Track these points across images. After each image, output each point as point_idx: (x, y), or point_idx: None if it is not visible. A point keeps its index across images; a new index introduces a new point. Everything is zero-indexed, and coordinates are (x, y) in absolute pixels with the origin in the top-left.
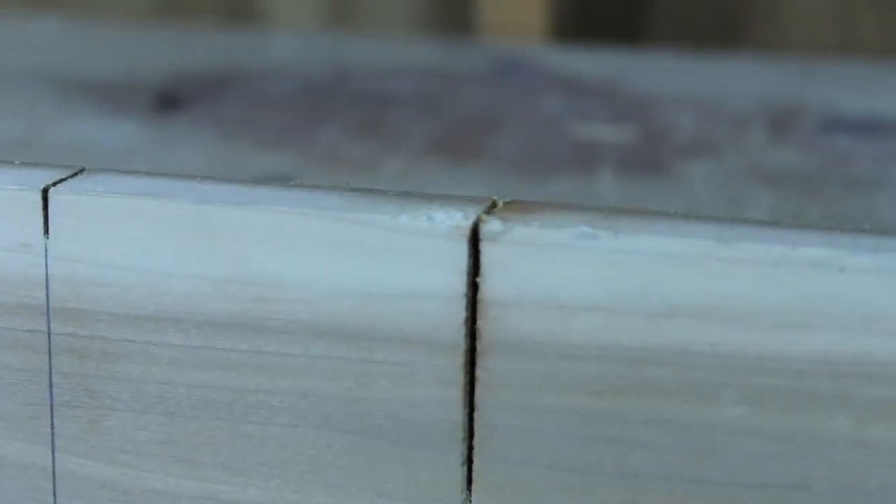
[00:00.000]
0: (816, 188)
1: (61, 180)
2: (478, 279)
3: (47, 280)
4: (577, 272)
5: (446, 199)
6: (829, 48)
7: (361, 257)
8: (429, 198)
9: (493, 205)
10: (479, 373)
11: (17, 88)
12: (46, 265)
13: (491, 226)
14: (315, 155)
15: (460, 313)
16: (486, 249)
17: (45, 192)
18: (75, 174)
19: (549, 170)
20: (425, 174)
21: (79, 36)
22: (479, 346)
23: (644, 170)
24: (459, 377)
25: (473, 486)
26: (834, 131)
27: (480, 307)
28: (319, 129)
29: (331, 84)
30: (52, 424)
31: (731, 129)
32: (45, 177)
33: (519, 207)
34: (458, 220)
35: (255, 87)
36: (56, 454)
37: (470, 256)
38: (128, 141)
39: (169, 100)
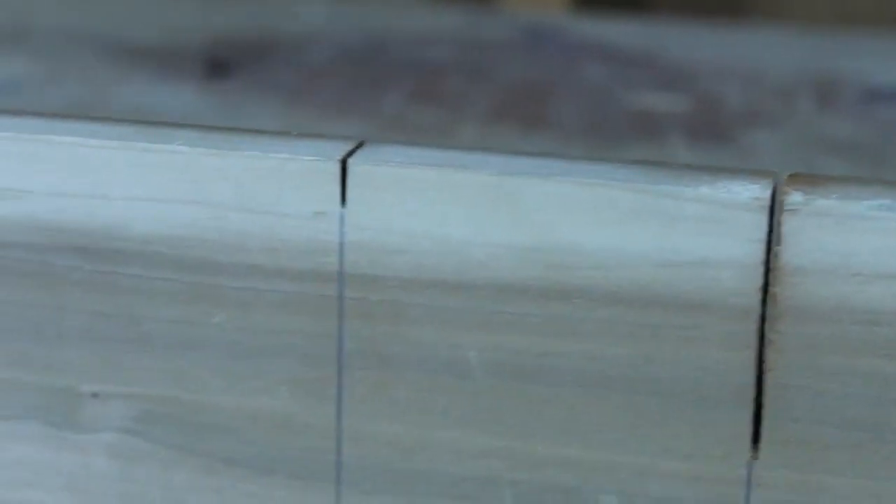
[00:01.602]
0: (887, 157)
1: (351, 151)
2: (777, 248)
3: (342, 247)
4: (874, 241)
5: (733, 172)
6: (829, 19)
7: (660, 227)
8: (714, 170)
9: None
10: (772, 336)
11: (63, 52)
12: (342, 233)
13: (793, 197)
14: (384, 121)
15: (757, 280)
16: (786, 220)
17: (343, 162)
18: (358, 146)
19: (618, 138)
20: (502, 141)
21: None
22: (773, 311)
23: (711, 138)
24: (753, 340)
25: (760, 444)
26: (875, 101)
27: (778, 274)
28: (379, 95)
29: (372, 51)
30: (339, 385)
31: (780, 99)
32: (335, 148)
33: (803, 180)
34: (755, 191)
35: (299, 53)
36: (342, 414)
37: (768, 226)
38: (189, 107)
39: (218, 65)
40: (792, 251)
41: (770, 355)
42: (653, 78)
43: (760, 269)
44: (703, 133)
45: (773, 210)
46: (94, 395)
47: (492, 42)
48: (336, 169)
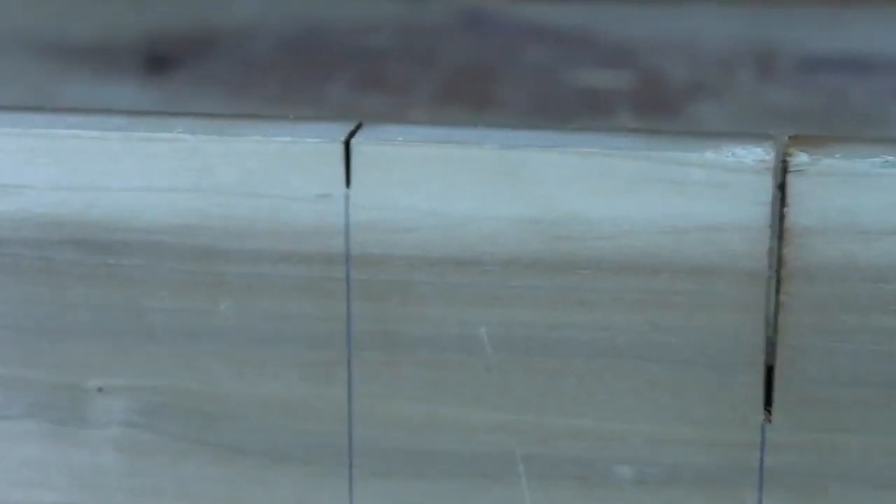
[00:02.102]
0: (834, 124)
1: (353, 132)
2: (784, 209)
3: (347, 228)
4: (880, 199)
5: (735, 136)
6: None
7: (666, 193)
8: (714, 135)
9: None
10: (782, 297)
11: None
12: (347, 214)
13: (798, 158)
14: (331, 109)
15: (765, 242)
16: (792, 181)
17: (346, 143)
18: (357, 127)
19: (567, 115)
20: (452, 124)
21: None
22: (782, 272)
23: (657, 112)
24: (762, 303)
25: (773, 406)
26: (813, 69)
27: (786, 236)
28: (323, 83)
29: (311, 40)
30: (348, 367)
31: (720, 71)
32: (336, 130)
33: (807, 141)
34: (760, 154)
35: (237, 45)
36: (353, 396)
37: (774, 188)
38: (133, 104)
39: (158, 60)
40: (798, 212)
41: (780, 317)
42: (593, 56)
43: (767, 232)
44: (649, 107)
45: (778, 171)
46: (100, 390)
47: (430, 27)
48: (339, 150)
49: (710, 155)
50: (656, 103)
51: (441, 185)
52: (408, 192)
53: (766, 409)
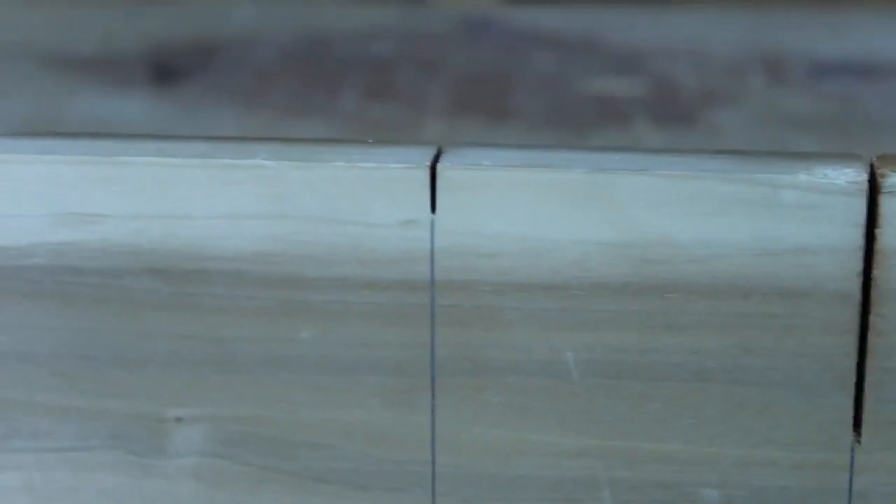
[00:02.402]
0: (851, 129)
1: (436, 157)
2: (877, 230)
3: (432, 254)
4: None
5: (824, 156)
6: None
7: (757, 216)
8: (802, 155)
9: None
10: (873, 319)
11: (2, 67)
12: (432, 240)
13: (891, 179)
14: (344, 120)
15: (857, 264)
16: (885, 202)
17: (432, 168)
18: (440, 152)
19: (584, 124)
20: (471, 134)
21: (39, 8)
22: (874, 294)
23: (674, 120)
24: (853, 325)
25: (863, 428)
26: (823, 74)
27: (878, 257)
28: (333, 93)
29: (315, 49)
30: (432, 394)
31: (730, 77)
32: (421, 154)
33: (891, 161)
34: (852, 175)
35: (242, 54)
36: (436, 423)
37: (866, 209)
38: (146, 115)
39: (165, 71)
40: (891, 233)
41: (871, 339)
42: (600, 63)
43: (860, 253)
44: (665, 115)
45: (870, 193)
46: (178, 420)
47: (432, 35)
48: (425, 175)
49: (803, 177)
50: (671, 111)
51: (527, 209)
52: (494, 216)
53: (855, 430)
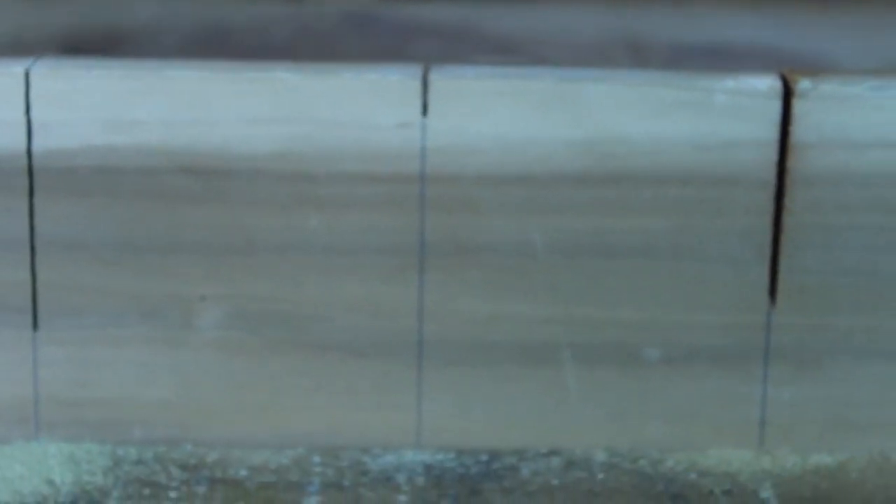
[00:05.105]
0: None
1: (426, 71)
2: (790, 127)
3: (423, 152)
4: (870, 116)
5: (743, 71)
6: None
7: (693, 116)
8: (729, 70)
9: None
10: (786, 202)
11: None
12: (423, 140)
13: (803, 85)
14: None
15: (772, 156)
16: (797, 103)
17: (424, 78)
18: (428, 69)
19: None
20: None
21: None
22: (787, 181)
23: None
24: (770, 206)
25: (777, 294)
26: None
27: (791, 150)
28: None
29: (217, 38)
30: (420, 272)
31: (599, 58)
32: (413, 69)
33: (800, 72)
34: (770, 82)
35: (148, 43)
36: (424, 296)
37: (782, 109)
38: None
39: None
40: (801, 130)
41: (785, 219)
42: (482, 46)
43: (776, 147)
44: None
45: (785, 97)
46: (203, 298)
47: (321, 27)
48: (418, 85)
49: (730, 83)
50: None
51: (505, 113)
52: (476, 119)
53: (771, 296)
